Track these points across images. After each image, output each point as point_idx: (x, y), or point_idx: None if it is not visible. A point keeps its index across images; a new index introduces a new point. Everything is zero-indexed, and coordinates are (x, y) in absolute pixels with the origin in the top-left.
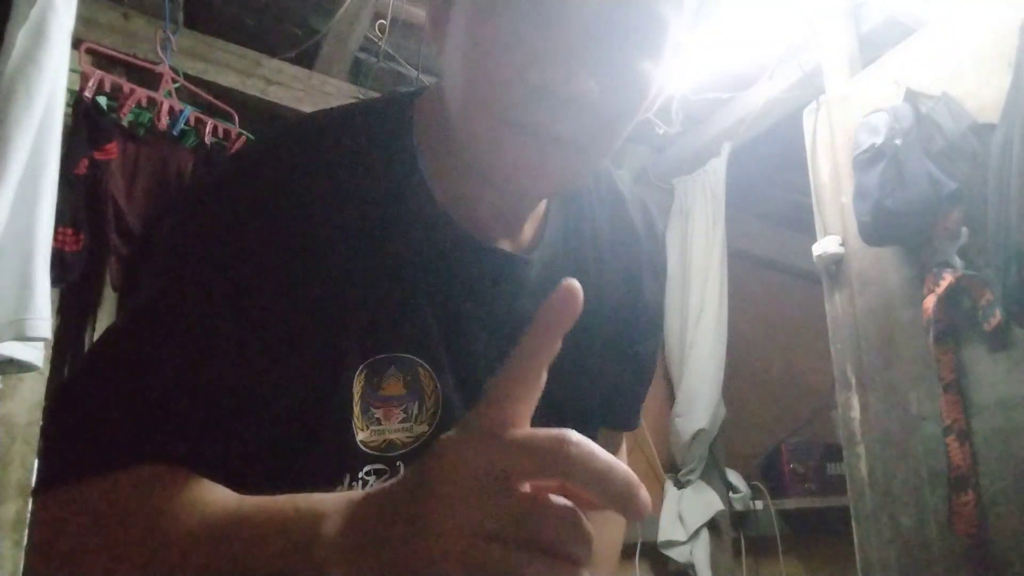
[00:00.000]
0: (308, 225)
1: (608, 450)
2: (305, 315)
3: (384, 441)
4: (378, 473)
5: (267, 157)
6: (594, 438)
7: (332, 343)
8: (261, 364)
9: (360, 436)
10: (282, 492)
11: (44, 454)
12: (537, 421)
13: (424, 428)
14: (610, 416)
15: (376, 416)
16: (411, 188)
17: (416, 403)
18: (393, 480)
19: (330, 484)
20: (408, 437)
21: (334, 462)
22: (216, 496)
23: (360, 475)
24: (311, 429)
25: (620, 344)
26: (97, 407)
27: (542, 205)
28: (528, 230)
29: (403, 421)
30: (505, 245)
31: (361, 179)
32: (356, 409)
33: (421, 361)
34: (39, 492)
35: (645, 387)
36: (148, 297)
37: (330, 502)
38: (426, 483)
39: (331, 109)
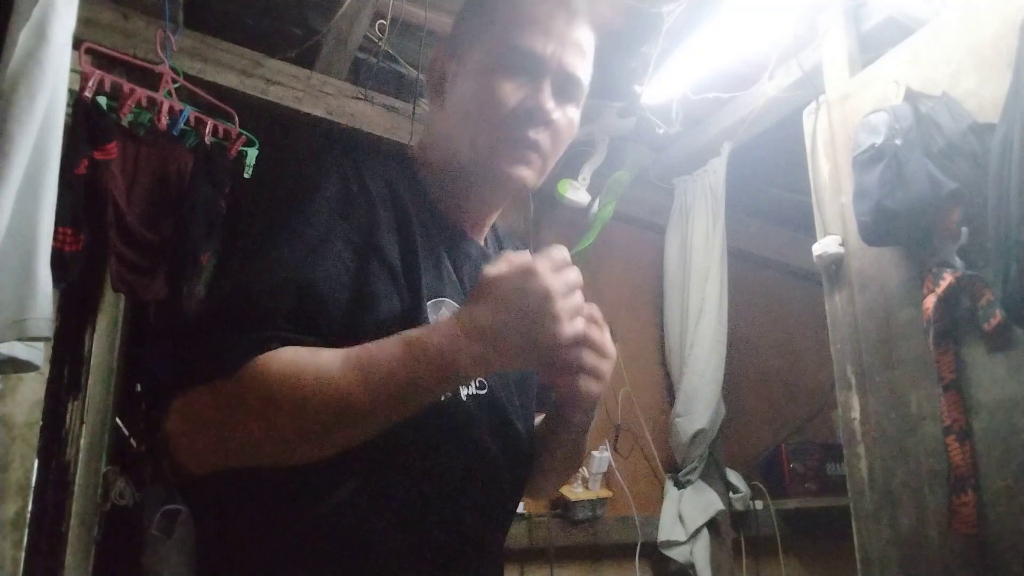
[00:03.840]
0: (388, 213)
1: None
2: (402, 269)
3: None
4: None
5: (346, 164)
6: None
7: (416, 288)
8: (380, 294)
9: None
10: None
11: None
12: (512, 396)
13: None
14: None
15: None
16: (421, 201)
17: None
18: (481, 305)
19: None
20: None
21: None
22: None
23: None
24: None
25: None
26: (253, 310)
27: (489, 225)
28: (482, 235)
29: None
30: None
31: (398, 193)
32: None
33: (455, 303)
34: (229, 370)
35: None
36: (283, 236)
37: (435, 334)
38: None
39: (348, 148)
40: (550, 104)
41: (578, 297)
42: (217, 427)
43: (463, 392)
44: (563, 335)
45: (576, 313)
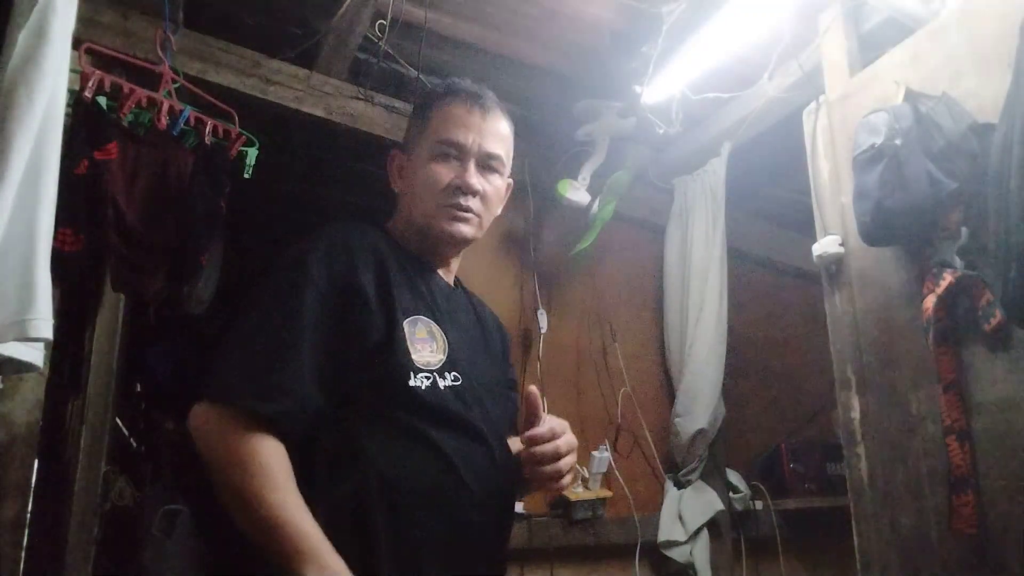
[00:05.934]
0: (365, 262)
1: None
2: (376, 300)
3: (425, 361)
4: (427, 378)
5: (334, 231)
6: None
7: (391, 311)
8: (358, 324)
9: (414, 356)
10: (379, 388)
11: (227, 368)
12: (483, 386)
13: (441, 356)
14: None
15: (417, 347)
16: (399, 250)
17: (434, 343)
18: None
19: (405, 380)
20: (436, 360)
21: (404, 369)
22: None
23: (419, 377)
24: (388, 353)
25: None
26: (251, 362)
27: (454, 272)
28: (449, 274)
29: (431, 352)
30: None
31: (377, 245)
32: (408, 343)
33: (431, 320)
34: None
35: (516, 404)
36: (280, 294)
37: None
38: None
39: (347, 221)
40: (474, 180)
41: None
42: (209, 440)
43: (440, 383)
44: None
45: None
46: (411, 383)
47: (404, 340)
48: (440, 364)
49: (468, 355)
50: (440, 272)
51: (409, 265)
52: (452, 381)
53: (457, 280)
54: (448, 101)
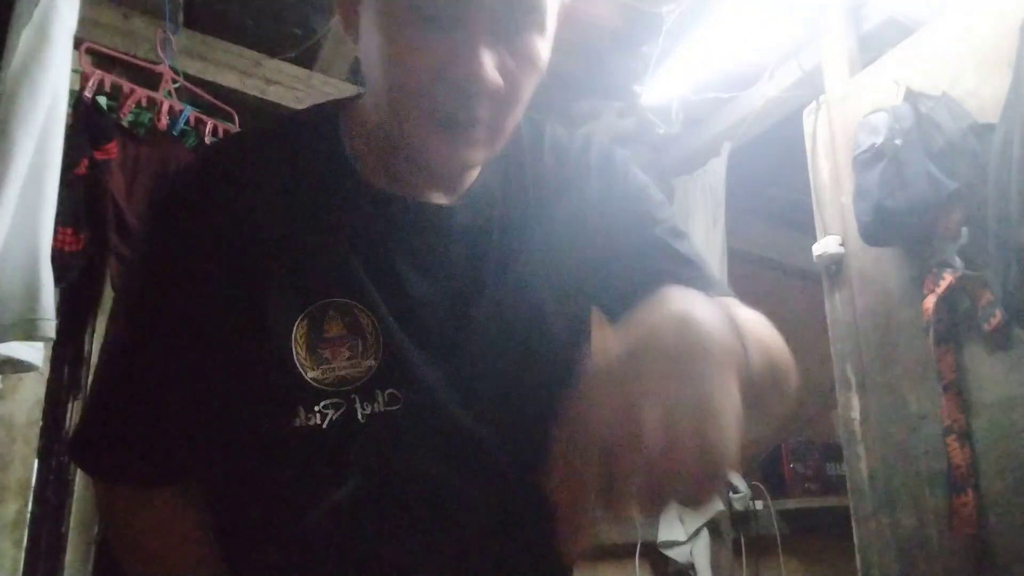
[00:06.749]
0: (228, 228)
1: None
2: (230, 295)
3: (336, 377)
4: (335, 407)
5: (192, 175)
6: (581, 342)
7: (256, 306)
8: (205, 352)
9: (311, 375)
10: (250, 435)
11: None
12: (468, 395)
13: (372, 362)
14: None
15: (324, 356)
16: (336, 168)
17: (359, 341)
18: None
19: (286, 420)
20: (358, 372)
21: (282, 401)
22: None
23: (316, 409)
24: (254, 377)
25: (609, 236)
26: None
27: (466, 177)
28: (466, 185)
29: (350, 358)
30: (440, 199)
31: (285, 174)
32: (302, 352)
33: (356, 303)
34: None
35: (666, 244)
36: (120, 328)
37: None
38: None
39: (263, 127)
40: (488, 66)
41: None
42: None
43: (359, 412)
44: None
45: None
46: (298, 422)
47: (287, 350)
48: (364, 377)
49: (440, 338)
50: (428, 190)
51: (348, 197)
52: (386, 404)
53: (500, 159)
54: None
